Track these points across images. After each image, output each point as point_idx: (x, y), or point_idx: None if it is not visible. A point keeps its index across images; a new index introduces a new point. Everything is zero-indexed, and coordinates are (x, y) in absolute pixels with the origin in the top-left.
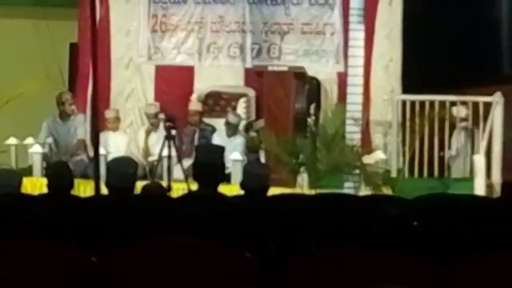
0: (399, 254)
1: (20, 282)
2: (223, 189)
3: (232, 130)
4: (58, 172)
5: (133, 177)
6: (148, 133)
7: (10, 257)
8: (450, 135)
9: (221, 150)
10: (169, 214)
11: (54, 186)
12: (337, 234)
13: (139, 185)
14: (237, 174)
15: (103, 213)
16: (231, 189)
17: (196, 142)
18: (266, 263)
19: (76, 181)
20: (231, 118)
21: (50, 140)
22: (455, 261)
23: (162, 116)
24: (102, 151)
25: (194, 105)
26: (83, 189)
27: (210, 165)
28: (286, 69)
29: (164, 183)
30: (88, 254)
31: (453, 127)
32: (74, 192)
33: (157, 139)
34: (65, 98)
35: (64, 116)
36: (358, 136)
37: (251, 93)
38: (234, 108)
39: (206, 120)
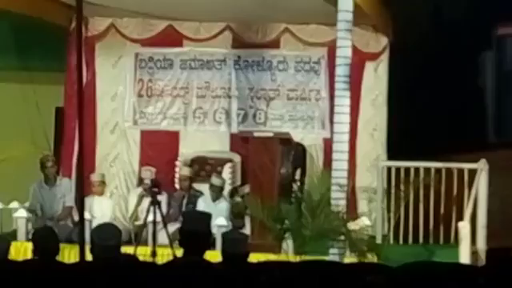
0: None
1: None
2: (208, 255)
3: (216, 192)
4: (44, 237)
5: (116, 247)
6: (141, 197)
7: None
8: (435, 202)
9: (207, 217)
10: (154, 280)
11: (39, 251)
12: None
13: (124, 250)
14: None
15: (88, 281)
16: (215, 255)
17: (184, 207)
18: None
19: (60, 245)
20: (215, 181)
21: (37, 205)
22: None
23: (147, 181)
24: (87, 216)
25: (184, 170)
26: (68, 253)
27: (196, 232)
28: (271, 134)
29: (149, 249)
30: None
31: (438, 194)
32: (59, 257)
33: (145, 204)
34: (47, 162)
35: (49, 180)
36: (344, 202)
37: (237, 158)
38: (220, 173)
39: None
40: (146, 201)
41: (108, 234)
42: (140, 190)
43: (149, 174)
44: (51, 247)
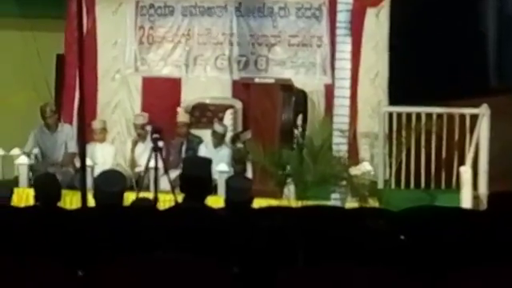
0: (387, 268)
1: None
2: (210, 200)
3: (218, 140)
4: (46, 183)
5: (120, 193)
6: (135, 143)
7: None
8: (437, 147)
9: (208, 162)
10: (156, 227)
11: (41, 197)
12: (324, 247)
13: (127, 196)
14: (223, 186)
15: (90, 226)
16: (217, 200)
17: (183, 154)
18: (253, 278)
19: (62, 192)
20: (217, 128)
21: (36, 151)
22: (443, 275)
23: (148, 128)
24: (88, 162)
25: (182, 116)
26: (69, 200)
27: (197, 178)
28: (272, 81)
29: (150, 195)
30: (74, 269)
31: (439, 139)
32: (61, 203)
33: (143, 150)
34: (48, 110)
35: (51, 127)
36: (345, 148)
37: (238, 104)
38: (221, 119)
39: (193, 131)
40: (142, 147)
41: (112, 180)
42: (134, 136)
43: (141, 119)
44: (53, 193)
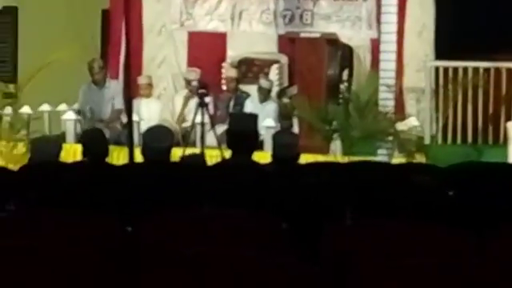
0: (434, 224)
1: (54, 253)
2: (256, 156)
3: (264, 95)
4: (94, 139)
5: (168, 149)
6: (187, 99)
7: (44, 227)
8: (484, 102)
9: (254, 117)
10: (204, 182)
11: (89, 153)
12: (371, 202)
13: (173, 152)
14: (269, 141)
15: (138, 182)
16: (264, 156)
17: (231, 109)
18: (301, 233)
19: (109, 148)
20: (263, 83)
21: (86, 107)
22: (491, 230)
23: (195, 83)
24: (134, 118)
25: (231, 71)
26: (116, 156)
27: (243, 133)
28: (318, 35)
29: (197, 150)
30: (123, 224)
31: (486, 94)
32: (108, 159)
33: (191, 106)
34: (96, 65)
35: (98, 83)
36: (392, 103)
37: (284, 59)
38: (267, 74)
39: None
40: (192, 102)
41: (160, 136)
42: (186, 91)
43: (193, 74)
44: (101, 148)
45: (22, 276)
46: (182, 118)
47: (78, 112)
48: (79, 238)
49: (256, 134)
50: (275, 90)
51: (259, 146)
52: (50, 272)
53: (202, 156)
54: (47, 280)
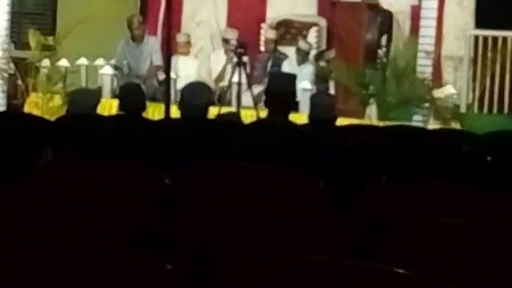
0: (470, 184)
1: (92, 200)
2: (292, 117)
3: (302, 57)
4: (131, 94)
5: (206, 105)
6: (231, 59)
7: (82, 174)
8: None
9: (293, 78)
10: (240, 140)
11: (126, 107)
12: (407, 165)
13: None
14: (305, 103)
15: (175, 136)
16: (300, 117)
17: (268, 70)
18: (339, 192)
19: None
20: (302, 45)
21: (124, 62)
22: None
23: (233, 42)
24: (172, 75)
25: (269, 33)
26: (152, 112)
27: (281, 92)
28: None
29: (233, 109)
30: (161, 176)
31: None
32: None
33: (228, 65)
34: (135, 21)
35: (137, 39)
36: (429, 70)
37: (323, 22)
38: (305, 37)
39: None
40: (224, 61)
41: (199, 93)
42: (222, 51)
43: (232, 34)
44: (138, 103)
45: (60, 222)
46: (221, 77)
47: (115, 67)
48: (117, 185)
49: (294, 94)
50: (313, 52)
51: (296, 107)
52: (89, 219)
53: (238, 114)
54: (87, 226)
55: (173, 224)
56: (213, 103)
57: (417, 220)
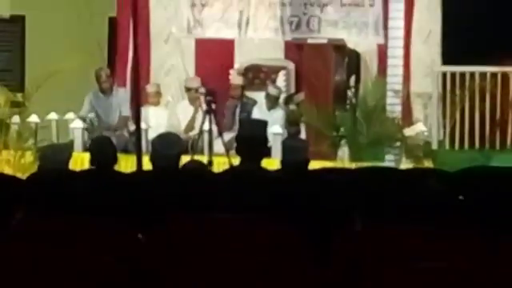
0: (444, 228)
1: (67, 260)
2: (264, 163)
3: (272, 102)
4: (102, 147)
5: (178, 156)
6: (197, 108)
7: (54, 234)
8: (491, 107)
9: (264, 124)
10: (213, 189)
11: (97, 161)
12: (380, 208)
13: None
14: (277, 148)
15: (147, 189)
16: (272, 163)
17: (237, 116)
18: (310, 239)
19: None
20: (271, 90)
21: (92, 115)
22: (498, 235)
23: (202, 90)
24: (142, 126)
25: (236, 78)
26: (124, 164)
27: (253, 139)
28: (325, 41)
29: (204, 158)
30: (134, 231)
31: (494, 99)
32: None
33: (197, 113)
34: (103, 74)
35: (106, 91)
36: (399, 108)
37: (291, 65)
38: (274, 81)
39: (246, 93)
40: (192, 110)
41: (170, 143)
42: (186, 101)
43: (195, 82)
44: (109, 156)
45: (34, 281)
46: (189, 127)
47: (83, 119)
48: (90, 244)
49: (266, 140)
50: (282, 96)
51: (268, 152)
52: (62, 277)
53: (204, 163)
54: (59, 285)
55: (149, 281)
56: (185, 152)
57: (392, 265)
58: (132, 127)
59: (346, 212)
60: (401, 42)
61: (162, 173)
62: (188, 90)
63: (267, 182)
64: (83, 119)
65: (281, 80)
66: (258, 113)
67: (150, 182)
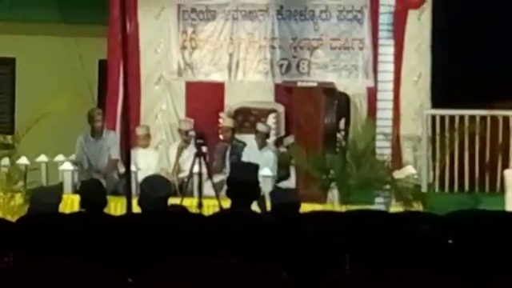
0: (433, 272)
1: None
2: (254, 206)
3: (261, 139)
4: (92, 190)
5: (165, 198)
6: (181, 149)
7: (44, 278)
8: (481, 150)
9: (255, 167)
10: (203, 232)
11: (87, 203)
12: (370, 252)
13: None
14: (267, 190)
15: (136, 232)
16: None
17: (227, 159)
18: (301, 282)
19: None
20: (260, 127)
21: (83, 157)
22: (489, 280)
23: (192, 133)
24: (132, 168)
25: (227, 121)
26: (114, 206)
27: (244, 183)
28: (315, 84)
29: (194, 200)
30: (123, 275)
31: (483, 142)
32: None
33: (188, 156)
34: (96, 115)
35: (95, 133)
36: (388, 151)
37: (280, 108)
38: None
39: (236, 136)
40: (187, 152)
41: (157, 186)
42: (179, 142)
43: (187, 125)
44: (99, 199)
45: None
46: (177, 169)
47: (76, 163)
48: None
49: (257, 183)
50: (272, 139)
51: (258, 196)
52: None
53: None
54: None
55: None
56: (174, 194)
57: None
58: (122, 169)
59: (336, 255)
60: (390, 85)
61: (150, 216)
62: (180, 131)
63: (257, 224)
64: (76, 163)
65: (271, 122)
66: (249, 153)
67: (139, 224)
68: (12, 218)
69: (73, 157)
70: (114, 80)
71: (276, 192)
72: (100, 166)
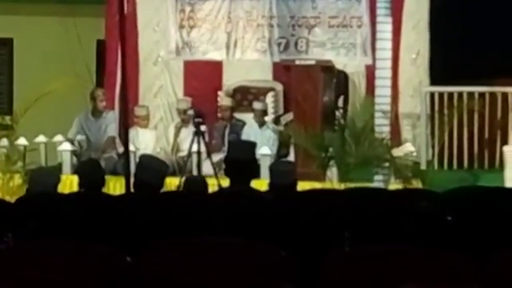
0: (432, 249)
1: (54, 283)
2: (253, 183)
3: (260, 117)
4: (90, 170)
5: (161, 179)
6: (179, 129)
7: (43, 258)
8: (480, 126)
9: (253, 145)
10: (202, 211)
11: (85, 184)
12: (369, 229)
13: (168, 181)
14: (266, 169)
15: (135, 212)
16: (261, 183)
17: (226, 137)
18: (300, 260)
19: (106, 177)
20: (256, 105)
21: (80, 137)
22: (490, 255)
23: (191, 112)
24: (131, 148)
25: (225, 100)
26: (113, 186)
27: (242, 161)
28: (313, 62)
29: None
30: (122, 254)
31: (482, 118)
32: (104, 189)
33: (186, 135)
34: (97, 94)
35: (96, 113)
36: (387, 129)
37: (279, 87)
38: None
39: (235, 115)
40: (185, 131)
41: (153, 166)
42: (177, 121)
43: (185, 104)
44: (97, 179)
45: None
46: (175, 148)
47: (71, 142)
48: (79, 268)
49: (255, 161)
50: (271, 117)
51: (257, 174)
52: None
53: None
54: None
55: None
56: (174, 174)
57: (380, 285)
58: (121, 149)
59: (335, 233)
60: (389, 63)
61: (149, 195)
62: (179, 111)
63: (256, 203)
64: (71, 142)
65: (269, 101)
66: (249, 131)
67: (138, 204)
68: (11, 199)
69: (68, 135)
70: (112, 60)
71: (276, 163)
72: (99, 145)
